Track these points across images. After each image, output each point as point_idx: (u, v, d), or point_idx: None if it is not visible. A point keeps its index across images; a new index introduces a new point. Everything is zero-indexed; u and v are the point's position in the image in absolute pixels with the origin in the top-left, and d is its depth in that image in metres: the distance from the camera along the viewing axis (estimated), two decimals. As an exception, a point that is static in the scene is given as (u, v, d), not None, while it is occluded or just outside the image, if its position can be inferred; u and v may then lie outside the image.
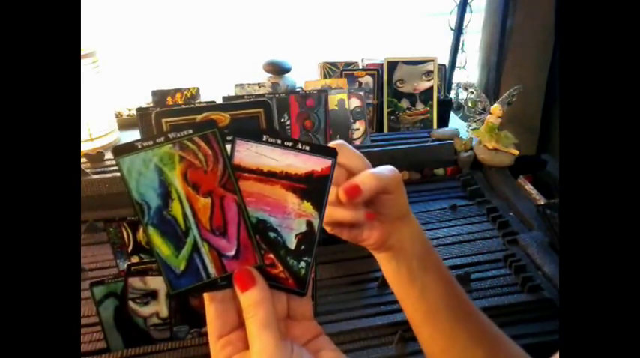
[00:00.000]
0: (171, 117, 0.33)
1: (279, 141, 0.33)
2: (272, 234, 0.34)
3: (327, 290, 0.76)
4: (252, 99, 0.32)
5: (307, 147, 0.33)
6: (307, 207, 0.33)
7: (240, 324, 0.34)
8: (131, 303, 0.64)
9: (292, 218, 0.34)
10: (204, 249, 0.33)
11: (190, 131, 0.32)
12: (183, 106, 0.32)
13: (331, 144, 0.36)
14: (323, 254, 0.82)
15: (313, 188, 0.33)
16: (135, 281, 0.63)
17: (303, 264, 0.34)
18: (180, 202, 0.32)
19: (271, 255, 0.34)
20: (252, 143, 0.33)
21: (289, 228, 0.34)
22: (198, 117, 0.33)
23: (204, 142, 0.32)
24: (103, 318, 0.63)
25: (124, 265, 0.70)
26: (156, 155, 0.32)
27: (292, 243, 0.34)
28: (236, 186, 0.33)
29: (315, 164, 0.33)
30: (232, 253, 0.34)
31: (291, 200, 0.33)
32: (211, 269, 0.34)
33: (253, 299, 0.33)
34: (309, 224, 0.34)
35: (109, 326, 0.64)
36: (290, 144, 0.33)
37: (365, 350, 0.66)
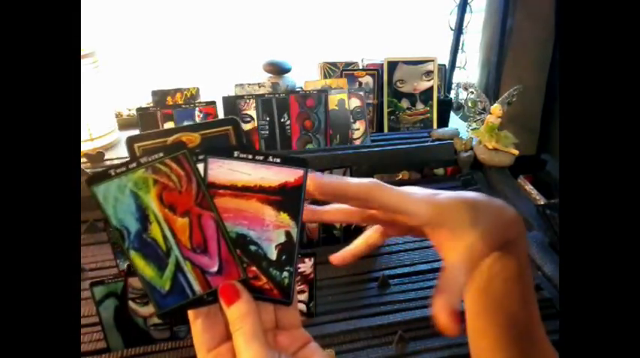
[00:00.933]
0: (143, 142, 0.34)
1: (250, 156, 0.33)
2: (253, 247, 0.35)
3: (327, 290, 0.76)
4: (219, 119, 0.33)
5: (278, 160, 0.34)
6: (284, 217, 0.34)
7: (229, 337, 0.34)
8: (131, 303, 0.64)
9: (271, 229, 0.34)
10: (187, 268, 0.34)
11: (161, 154, 0.33)
12: (154, 130, 0.33)
13: (366, 182, 0.37)
14: (323, 254, 0.82)
15: (288, 199, 0.34)
16: (135, 281, 0.63)
17: (285, 273, 0.35)
18: (159, 224, 0.33)
19: (254, 268, 0.35)
20: (224, 160, 0.33)
21: (269, 240, 0.34)
22: (169, 140, 0.33)
23: (175, 164, 0.33)
24: (103, 318, 0.63)
25: (124, 265, 0.70)
26: (130, 180, 0.32)
27: (273, 254, 0.35)
28: (212, 204, 0.34)
29: (287, 175, 0.34)
30: (215, 269, 0.35)
31: (268, 212, 0.34)
32: (196, 287, 0.34)
33: (239, 312, 0.33)
34: (287, 234, 0.34)
35: (109, 326, 0.64)
36: (261, 158, 0.34)
37: (365, 350, 0.66)
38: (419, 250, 0.86)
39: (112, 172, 0.32)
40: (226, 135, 0.35)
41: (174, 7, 1.20)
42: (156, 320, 0.65)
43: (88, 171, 0.91)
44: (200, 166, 0.33)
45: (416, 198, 0.37)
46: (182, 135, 0.34)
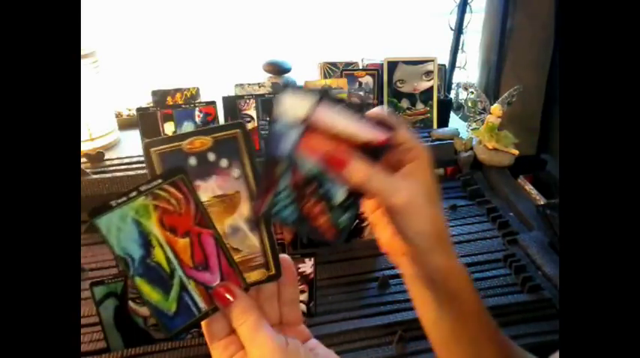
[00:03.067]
0: (158, 146, 0.35)
1: (353, 110, 0.36)
2: (324, 188, 0.36)
3: (327, 290, 0.76)
4: (228, 123, 0.35)
5: (372, 120, 0.36)
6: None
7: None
8: (131, 303, 0.64)
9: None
10: (191, 286, 0.35)
11: (160, 181, 0.34)
12: (169, 135, 0.35)
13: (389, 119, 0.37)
14: (323, 254, 0.82)
15: (370, 153, 0.36)
16: (135, 281, 0.63)
17: (347, 216, 0.37)
18: (162, 247, 0.34)
19: (321, 205, 0.36)
20: (332, 106, 0.35)
21: (342, 183, 0.36)
22: (184, 143, 0.35)
23: (174, 188, 0.34)
24: (103, 318, 0.63)
25: (124, 265, 0.70)
26: (132, 209, 0.33)
27: (342, 196, 0.36)
28: (209, 221, 0.35)
29: (376, 134, 0.36)
30: (217, 283, 0.36)
31: (350, 159, 0.36)
32: (201, 304, 0.36)
33: (240, 309, 0.35)
34: None
35: (109, 326, 0.64)
36: (360, 115, 0.36)
37: (365, 350, 0.66)
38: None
39: (114, 203, 0.33)
40: (235, 138, 0.36)
41: (175, 8, 1.20)
42: (156, 320, 0.65)
43: (88, 171, 0.91)
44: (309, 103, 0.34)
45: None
46: (195, 139, 0.35)
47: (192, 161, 0.35)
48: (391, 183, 0.35)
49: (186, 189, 0.34)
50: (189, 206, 0.35)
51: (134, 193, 0.33)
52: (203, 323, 0.36)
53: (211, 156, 0.36)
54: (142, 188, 0.34)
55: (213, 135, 0.35)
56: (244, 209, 0.36)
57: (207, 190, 0.36)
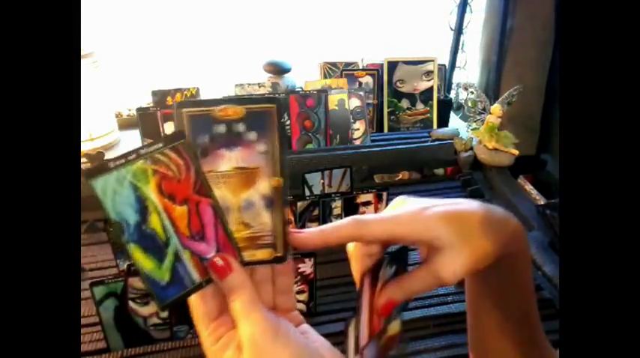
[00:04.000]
0: (190, 108, 0.34)
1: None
2: None
3: (327, 290, 0.76)
4: (264, 97, 0.34)
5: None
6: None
7: (228, 308, 0.34)
8: (131, 303, 0.64)
9: None
10: (185, 256, 0.34)
11: (161, 145, 0.33)
12: (203, 99, 0.34)
13: (345, 225, 0.36)
14: (323, 254, 0.82)
15: None
16: (135, 282, 0.63)
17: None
18: (158, 214, 0.33)
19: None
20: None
21: None
22: (216, 109, 0.34)
23: (174, 154, 0.33)
24: (103, 318, 0.63)
25: (124, 265, 0.70)
26: (129, 172, 0.32)
27: None
28: (209, 190, 0.34)
29: None
30: (212, 255, 0.35)
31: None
32: (195, 275, 0.34)
33: (234, 283, 0.34)
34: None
35: (109, 326, 0.64)
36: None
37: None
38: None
39: (111, 165, 0.31)
40: (268, 113, 0.35)
41: (175, 7, 1.20)
42: (156, 320, 0.65)
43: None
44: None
45: (402, 220, 0.35)
46: (228, 106, 0.34)
47: (221, 128, 0.34)
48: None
49: (188, 155, 0.33)
50: (189, 173, 0.34)
51: (133, 156, 0.32)
52: (193, 304, 0.35)
53: (240, 127, 0.34)
54: (142, 151, 0.32)
55: (247, 106, 0.34)
56: (262, 185, 0.35)
57: (231, 160, 0.35)
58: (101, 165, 0.31)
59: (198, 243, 0.34)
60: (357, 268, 0.38)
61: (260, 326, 0.32)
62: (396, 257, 0.39)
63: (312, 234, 0.36)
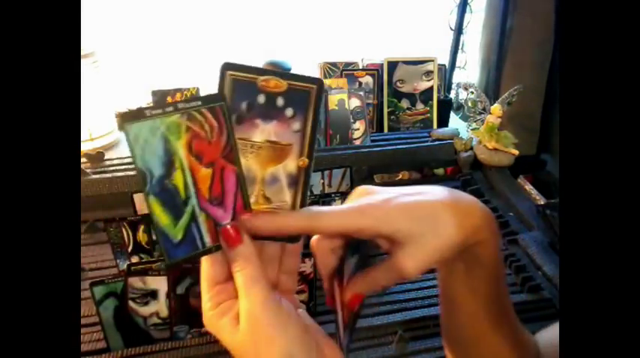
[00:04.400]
0: (235, 72, 0.34)
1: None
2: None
3: (327, 290, 0.76)
4: (308, 76, 0.34)
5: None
6: None
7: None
8: (131, 303, 0.64)
9: None
10: (201, 219, 0.34)
11: (199, 103, 0.33)
12: (250, 65, 0.34)
13: (301, 214, 0.36)
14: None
15: None
16: (135, 281, 0.63)
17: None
18: (183, 171, 0.33)
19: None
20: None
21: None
22: (260, 78, 0.34)
23: (211, 114, 0.33)
24: (103, 318, 0.63)
25: (124, 265, 0.70)
26: (163, 124, 0.32)
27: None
28: (237, 158, 0.34)
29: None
30: (227, 222, 0.35)
31: None
32: (207, 238, 0.35)
33: (241, 254, 0.34)
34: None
35: (109, 326, 0.64)
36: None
37: (365, 350, 0.66)
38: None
39: (148, 113, 0.31)
40: (309, 92, 0.35)
41: (174, 7, 1.20)
42: (156, 320, 0.65)
43: (88, 171, 0.91)
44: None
45: (360, 211, 0.34)
46: (272, 78, 0.34)
47: (261, 99, 0.34)
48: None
49: (223, 118, 0.33)
50: (220, 136, 0.33)
51: (170, 108, 0.32)
52: (204, 262, 0.35)
53: (280, 101, 0.34)
54: (180, 105, 0.32)
55: (290, 81, 0.34)
56: (290, 163, 0.36)
57: (264, 132, 0.35)
58: (138, 112, 0.31)
59: (216, 208, 0.35)
60: (320, 263, 0.38)
61: (259, 300, 0.32)
62: (357, 246, 0.38)
63: (265, 221, 0.35)
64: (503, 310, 0.42)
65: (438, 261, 0.35)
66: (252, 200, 0.36)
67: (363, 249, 0.39)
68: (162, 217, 0.33)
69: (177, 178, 0.33)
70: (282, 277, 0.38)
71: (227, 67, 0.33)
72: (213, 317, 0.34)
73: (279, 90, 0.34)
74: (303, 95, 0.35)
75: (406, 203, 0.35)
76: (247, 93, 0.34)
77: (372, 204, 0.35)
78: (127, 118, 0.31)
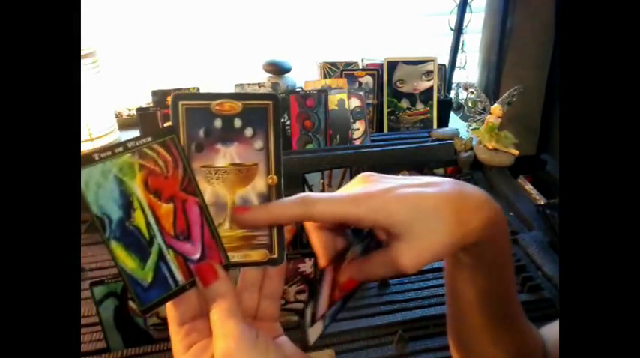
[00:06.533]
0: (187, 101, 0.34)
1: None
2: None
3: (327, 290, 0.76)
4: (262, 93, 0.34)
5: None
6: None
7: (204, 313, 0.33)
8: (131, 303, 0.64)
9: None
10: (169, 256, 0.33)
11: (149, 139, 0.32)
12: (201, 93, 0.33)
13: (295, 201, 0.34)
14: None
15: None
16: (135, 281, 0.63)
17: None
18: (143, 211, 0.32)
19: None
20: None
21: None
22: (213, 103, 0.33)
23: (163, 149, 0.32)
24: (103, 318, 0.63)
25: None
26: (115, 165, 0.31)
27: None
28: (197, 188, 0.33)
29: None
30: (198, 256, 0.34)
31: None
32: (179, 276, 0.33)
33: (217, 291, 0.32)
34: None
35: (109, 326, 0.64)
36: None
37: (365, 350, 0.66)
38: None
39: (97, 156, 0.30)
40: (265, 109, 0.34)
41: (175, 7, 1.20)
42: (156, 320, 0.65)
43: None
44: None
45: (357, 200, 0.33)
46: (226, 101, 0.33)
47: (218, 123, 0.34)
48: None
49: (176, 151, 0.32)
50: (176, 169, 0.33)
51: (120, 148, 0.31)
52: (168, 304, 0.33)
53: (237, 122, 0.34)
54: (130, 144, 0.31)
55: (245, 101, 0.34)
56: (259, 182, 0.35)
57: (226, 156, 0.34)
58: (85, 156, 0.30)
59: (184, 243, 0.33)
60: (315, 242, 0.37)
61: (235, 338, 0.30)
62: (364, 233, 0.37)
63: (259, 212, 0.34)
64: (505, 307, 0.41)
65: (436, 257, 0.33)
66: (225, 226, 0.35)
67: (369, 237, 0.38)
68: (127, 261, 0.32)
69: (138, 219, 0.32)
70: (264, 303, 0.36)
71: (178, 97, 0.33)
72: None
73: (234, 112, 0.34)
74: (260, 113, 0.34)
75: (406, 194, 0.33)
76: (203, 119, 0.33)
77: (369, 193, 0.33)
78: None
